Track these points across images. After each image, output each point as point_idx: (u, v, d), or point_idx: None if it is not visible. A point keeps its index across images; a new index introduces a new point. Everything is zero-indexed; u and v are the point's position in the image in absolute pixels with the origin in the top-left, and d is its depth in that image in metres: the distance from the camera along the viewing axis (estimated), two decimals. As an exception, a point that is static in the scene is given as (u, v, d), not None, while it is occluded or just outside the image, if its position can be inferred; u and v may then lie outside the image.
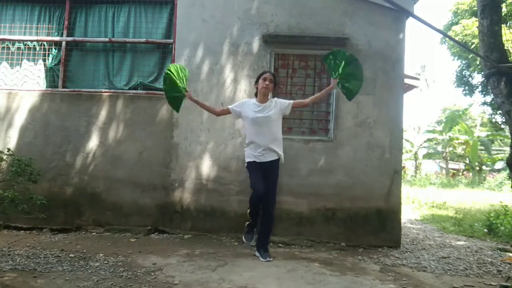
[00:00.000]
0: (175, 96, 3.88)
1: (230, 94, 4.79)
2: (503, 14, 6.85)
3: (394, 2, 3.89)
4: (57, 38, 5.10)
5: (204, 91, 4.81)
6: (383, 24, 4.71)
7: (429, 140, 24.06)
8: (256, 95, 3.90)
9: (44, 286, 2.81)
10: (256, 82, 3.87)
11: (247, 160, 3.81)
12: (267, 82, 3.75)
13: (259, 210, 3.80)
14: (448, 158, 23.86)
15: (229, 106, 3.94)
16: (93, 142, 4.85)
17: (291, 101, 3.87)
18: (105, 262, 3.46)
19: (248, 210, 3.92)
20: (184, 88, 3.85)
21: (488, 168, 22.50)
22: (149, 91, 4.93)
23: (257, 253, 3.80)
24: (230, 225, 4.58)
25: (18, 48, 5.15)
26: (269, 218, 3.76)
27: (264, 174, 3.72)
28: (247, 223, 3.98)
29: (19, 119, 4.90)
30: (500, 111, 8.54)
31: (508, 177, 15.07)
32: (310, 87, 4.83)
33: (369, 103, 4.67)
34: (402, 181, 4.84)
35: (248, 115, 3.76)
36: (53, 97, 4.93)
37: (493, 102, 12.47)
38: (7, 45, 5.16)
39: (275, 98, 3.92)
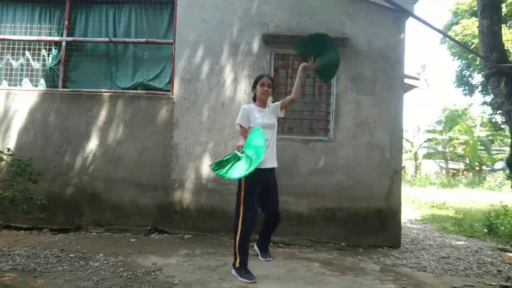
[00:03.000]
0: None
1: (230, 94, 4.79)
2: (503, 14, 6.85)
3: (394, 2, 3.89)
4: (57, 38, 5.10)
5: (204, 91, 4.81)
6: (383, 24, 4.71)
7: (429, 140, 24.04)
8: (254, 99, 3.68)
9: (44, 286, 2.81)
10: (254, 87, 3.62)
11: None
12: (265, 88, 3.52)
13: (248, 242, 3.30)
14: (448, 158, 23.85)
15: (242, 125, 3.43)
16: (93, 142, 4.85)
17: (278, 103, 3.67)
18: (105, 262, 3.46)
19: (237, 243, 3.21)
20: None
21: (488, 168, 22.50)
22: (149, 91, 4.93)
23: (257, 251, 3.80)
24: (230, 225, 4.51)
25: (18, 48, 5.15)
26: (275, 224, 3.67)
27: (264, 185, 3.42)
28: (237, 262, 3.21)
29: (19, 119, 4.91)
30: (500, 111, 8.54)
31: (508, 177, 15.07)
32: (310, 87, 4.83)
33: (369, 103, 4.67)
34: (402, 181, 4.84)
35: (255, 120, 3.48)
36: (53, 97, 4.93)
37: (493, 102, 12.47)
38: (7, 45, 5.16)
39: (268, 102, 3.76)
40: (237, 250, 3.21)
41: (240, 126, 3.46)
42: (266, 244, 3.79)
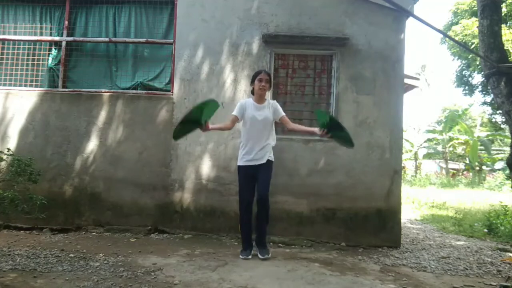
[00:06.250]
0: (187, 128, 3.59)
1: (230, 95, 4.79)
2: (503, 14, 6.86)
3: (394, 2, 3.90)
4: (57, 38, 5.10)
5: (204, 91, 4.81)
6: (383, 24, 4.71)
7: (429, 140, 24.06)
8: (252, 93, 3.89)
9: (44, 286, 2.81)
10: (252, 82, 3.83)
11: (239, 163, 3.81)
12: (263, 83, 3.71)
13: (250, 224, 3.77)
14: (448, 158, 23.86)
15: (233, 113, 3.80)
16: (93, 142, 4.85)
17: (284, 114, 3.84)
18: (105, 262, 3.46)
19: (239, 226, 3.87)
20: (203, 122, 3.44)
21: (488, 168, 22.50)
22: (149, 91, 4.93)
23: (256, 250, 3.81)
24: (230, 225, 4.58)
25: (19, 48, 5.14)
26: (264, 214, 3.75)
27: (255, 175, 3.74)
28: (242, 244, 3.84)
29: (19, 119, 4.90)
30: (500, 111, 8.55)
31: (508, 177, 15.07)
32: (310, 87, 4.83)
33: (369, 103, 4.67)
34: (402, 181, 4.84)
35: (248, 114, 3.75)
36: (53, 97, 4.93)
37: (493, 102, 12.48)
38: (7, 44, 5.16)
39: (273, 101, 3.91)
40: (240, 229, 3.86)
41: (233, 114, 3.80)
42: (261, 239, 3.81)
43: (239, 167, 3.82)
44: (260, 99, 3.79)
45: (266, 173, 3.76)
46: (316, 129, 3.60)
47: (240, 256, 3.73)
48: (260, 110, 3.76)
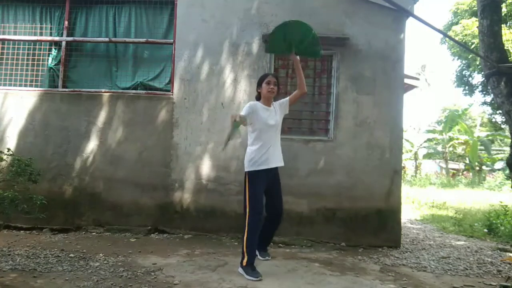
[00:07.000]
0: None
1: (230, 95, 4.79)
2: (503, 14, 6.87)
3: (394, 2, 3.90)
4: (57, 38, 5.10)
5: (204, 91, 4.81)
6: (383, 24, 4.71)
7: (429, 140, 24.05)
8: (257, 98, 3.69)
9: (44, 286, 2.81)
10: (259, 86, 3.63)
11: (254, 168, 3.38)
12: (271, 86, 3.53)
13: (260, 236, 3.42)
14: (448, 158, 23.85)
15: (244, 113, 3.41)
16: (93, 142, 4.85)
17: (287, 99, 3.71)
18: (105, 262, 3.46)
19: (244, 242, 3.26)
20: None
21: (488, 168, 22.50)
22: (149, 91, 4.93)
23: (255, 252, 3.78)
24: (230, 225, 4.58)
25: (19, 48, 5.14)
26: (277, 224, 3.64)
27: (269, 183, 3.47)
28: (245, 261, 3.24)
29: (19, 119, 4.90)
30: (500, 111, 8.56)
31: (508, 177, 15.07)
32: (310, 87, 4.82)
33: (369, 103, 4.67)
34: (402, 181, 4.84)
35: (260, 119, 3.49)
36: (53, 97, 4.93)
37: (493, 102, 12.49)
38: (7, 44, 5.16)
39: (274, 102, 3.82)
40: (245, 248, 3.25)
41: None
42: (265, 244, 3.79)
43: (255, 172, 3.38)
44: (267, 102, 3.60)
45: (279, 185, 3.60)
46: (294, 58, 3.75)
47: (251, 278, 3.13)
48: (271, 114, 3.58)
